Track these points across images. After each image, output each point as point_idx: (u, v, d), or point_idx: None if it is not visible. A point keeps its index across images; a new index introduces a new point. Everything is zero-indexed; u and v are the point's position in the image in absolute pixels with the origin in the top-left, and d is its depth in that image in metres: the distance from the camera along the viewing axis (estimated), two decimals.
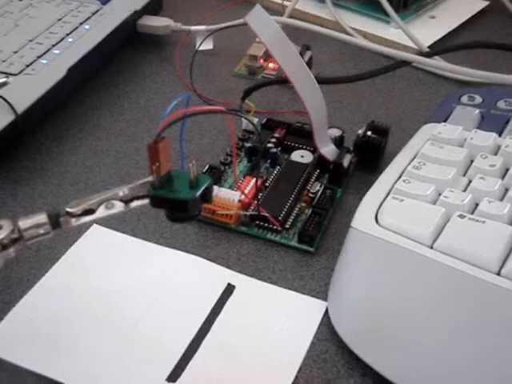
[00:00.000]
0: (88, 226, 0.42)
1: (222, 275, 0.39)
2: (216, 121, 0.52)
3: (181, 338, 0.35)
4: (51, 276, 0.39)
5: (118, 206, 0.29)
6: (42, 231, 0.28)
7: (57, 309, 0.37)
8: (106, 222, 0.42)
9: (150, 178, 0.29)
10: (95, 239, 0.41)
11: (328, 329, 0.36)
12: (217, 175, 0.44)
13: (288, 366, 0.34)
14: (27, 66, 0.51)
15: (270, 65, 0.59)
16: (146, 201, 0.29)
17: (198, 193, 0.28)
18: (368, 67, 0.57)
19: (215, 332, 0.35)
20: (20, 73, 0.51)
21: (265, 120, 0.50)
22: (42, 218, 0.28)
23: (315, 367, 0.34)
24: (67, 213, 0.28)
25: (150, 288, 0.38)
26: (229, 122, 0.33)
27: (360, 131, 0.47)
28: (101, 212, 0.29)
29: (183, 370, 0.33)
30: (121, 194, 0.29)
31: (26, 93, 0.48)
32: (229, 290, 0.38)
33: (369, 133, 0.47)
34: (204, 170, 0.44)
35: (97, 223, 0.42)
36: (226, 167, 0.46)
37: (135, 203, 0.29)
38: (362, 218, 0.39)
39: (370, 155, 0.47)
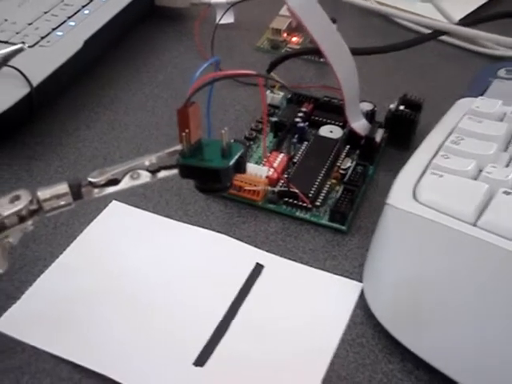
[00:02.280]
0: (107, 202, 0.40)
1: (249, 254, 0.37)
2: (239, 96, 0.50)
3: (207, 320, 0.33)
4: (69, 254, 0.36)
5: (144, 176, 0.27)
6: (62, 202, 0.26)
7: (75, 289, 0.35)
8: (126, 199, 0.40)
9: (178, 147, 0.27)
10: (115, 216, 0.39)
11: (364, 311, 0.34)
12: None
13: (322, 351, 0.32)
14: (42, 37, 0.49)
15: (294, 39, 0.56)
16: (174, 171, 0.27)
17: (232, 162, 0.26)
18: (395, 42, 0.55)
19: (244, 314, 0.33)
20: (35, 45, 0.48)
21: (291, 94, 0.47)
22: (62, 188, 0.26)
23: (351, 352, 0.32)
24: (90, 183, 0.26)
25: (173, 268, 0.36)
26: (260, 88, 0.30)
27: (392, 105, 0.45)
28: (126, 182, 0.27)
29: (211, 354, 0.31)
30: (147, 163, 0.27)
31: (41, 65, 0.46)
32: (257, 269, 0.36)
33: (401, 107, 0.44)
34: None
35: (116, 199, 0.40)
36: (252, 142, 0.44)
37: (163, 173, 0.27)
38: (399, 195, 0.37)
39: (403, 130, 0.44)
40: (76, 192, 0.26)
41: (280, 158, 0.41)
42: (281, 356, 0.31)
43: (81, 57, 0.49)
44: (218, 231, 0.38)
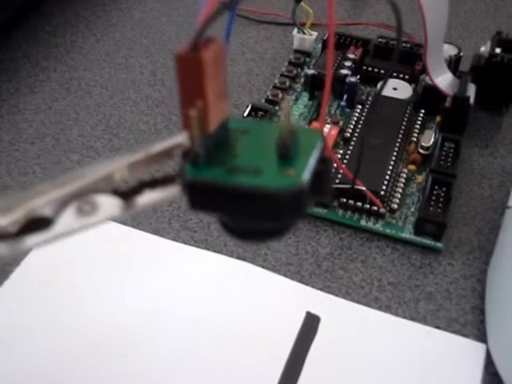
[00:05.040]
0: None
1: (293, 296, 0.22)
2: (249, 39, 0.35)
3: None
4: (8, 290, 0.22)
5: (108, 207, 0.12)
6: None
7: (43, 346, 0.20)
8: None
9: (181, 139, 0.12)
10: (105, 238, 0.24)
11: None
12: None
13: None
14: None
15: None
16: (171, 190, 0.13)
17: (305, 174, 0.12)
18: None
19: None
20: None
21: (327, 35, 0.32)
22: None
23: None
24: None
25: (182, 312, 0.22)
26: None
27: (483, 48, 0.30)
28: (67, 222, 0.12)
29: None
30: (116, 176, 0.12)
31: None
32: (310, 324, 0.22)
33: (497, 50, 0.30)
34: (245, 114, 0.27)
35: None
36: (277, 108, 0.29)
37: (147, 197, 0.13)
38: None
39: (500, 85, 0.30)
40: None
41: (326, 132, 0.27)
42: None
43: None
44: (238, 257, 0.24)
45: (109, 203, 0.12)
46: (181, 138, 0.13)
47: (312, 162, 0.12)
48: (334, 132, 0.28)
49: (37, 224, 0.12)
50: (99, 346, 0.21)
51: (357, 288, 0.23)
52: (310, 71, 0.30)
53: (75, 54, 0.34)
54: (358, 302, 0.23)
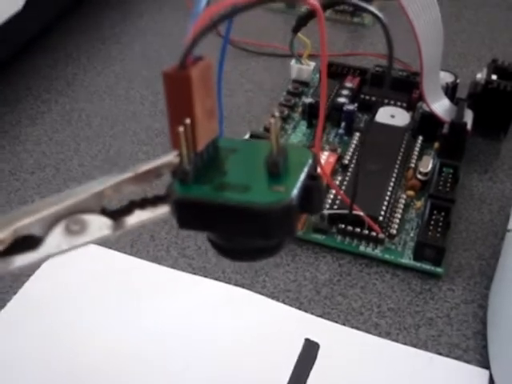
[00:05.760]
0: None
1: (293, 323, 0.22)
2: (248, 70, 0.35)
3: None
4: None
5: (98, 226, 0.12)
6: None
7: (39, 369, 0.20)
8: None
9: (170, 158, 0.13)
10: (104, 265, 0.24)
11: None
12: None
13: None
14: None
15: None
16: (162, 210, 0.13)
17: (294, 191, 0.12)
18: None
19: None
20: None
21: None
22: None
23: None
24: None
25: (176, 343, 0.21)
26: (320, 23, 0.15)
27: (479, 75, 0.30)
28: (56, 242, 0.12)
29: None
30: (105, 196, 0.12)
31: None
32: (309, 350, 0.21)
33: (493, 77, 0.30)
34: None
35: None
36: None
37: (137, 217, 0.13)
38: None
39: (497, 111, 0.30)
40: None
41: (325, 159, 0.27)
42: None
43: (22, 21, 0.34)
44: (236, 284, 0.24)
45: (98, 223, 0.12)
46: (170, 157, 0.13)
47: (302, 178, 0.12)
48: (333, 159, 0.28)
49: (25, 243, 0.12)
50: (96, 370, 0.21)
51: (356, 314, 0.23)
52: (308, 100, 0.30)
53: (76, 87, 0.34)
54: (357, 328, 0.22)
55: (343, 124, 0.29)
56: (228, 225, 0.11)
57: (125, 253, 0.25)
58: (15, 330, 0.22)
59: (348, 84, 0.31)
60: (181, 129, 0.12)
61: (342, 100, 0.30)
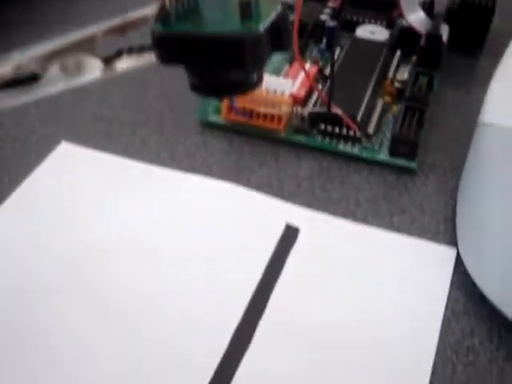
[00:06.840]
0: (51, 145, 0.26)
1: (274, 212, 0.24)
2: None
3: (221, 318, 0.20)
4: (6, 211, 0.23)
5: (91, 67, 0.14)
6: None
7: (13, 279, 0.22)
8: (81, 139, 0.27)
9: (152, 8, 0.14)
10: (66, 163, 0.26)
11: (465, 294, 0.21)
12: None
13: (417, 362, 0.19)
14: None
15: None
16: (147, 58, 0.14)
17: (263, 25, 0.13)
18: None
19: (277, 308, 0.21)
20: None
21: None
22: None
23: (460, 363, 0.20)
24: None
25: (166, 234, 0.23)
26: None
27: None
28: (53, 77, 0.13)
29: (230, 379, 0.19)
30: (97, 40, 0.14)
31: None
32: (289, 234, 0.23)
33: None
34: None
35: (67, 140, 0.27)
36: None
37: (125, 63, 0.14)
38: (498, 111, 0.24)
39: (473, 27, 0.31)
40: None
41: (306, 69, 0.28)
42: (348, 371, 0.19)
43: None
44: (224, 179, 0.25)
45: (91, 64, 0.14)
46: (152, 8, 0.14)
47: (271, 18, 0.13)
48: (314, 70, 0.29)
49: (26, 79, 0.13)
50: (82, 263, 0.22)
51: (334, 204, 0.24)
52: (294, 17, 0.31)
53: None
54: (335, 215, 0.24)
55: (324, 40, 0.31)
56: (205, 56, 0.13)
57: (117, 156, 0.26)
58: (18, 218, 0.23)
59: (330, 4, 0.32)
60: None
61: (323, 17, 0.31)
